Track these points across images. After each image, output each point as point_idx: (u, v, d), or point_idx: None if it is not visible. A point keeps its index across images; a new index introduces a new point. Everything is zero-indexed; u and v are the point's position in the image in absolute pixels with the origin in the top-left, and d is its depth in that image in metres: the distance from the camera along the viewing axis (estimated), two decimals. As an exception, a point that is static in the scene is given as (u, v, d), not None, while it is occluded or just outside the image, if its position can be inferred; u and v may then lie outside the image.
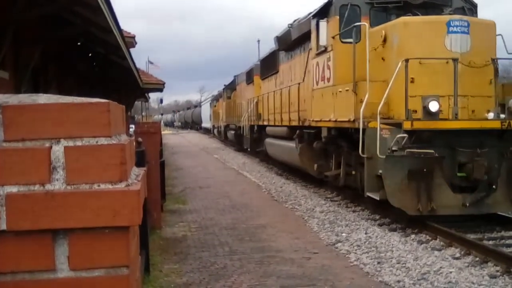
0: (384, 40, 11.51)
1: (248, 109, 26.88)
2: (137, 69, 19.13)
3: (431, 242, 9.26)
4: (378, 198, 10.32)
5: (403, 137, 10.01)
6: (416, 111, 10.27)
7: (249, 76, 29.13)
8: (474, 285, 6.90)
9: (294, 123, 16.82)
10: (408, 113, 10.08)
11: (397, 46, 11.20)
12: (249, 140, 27.17)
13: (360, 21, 12.24)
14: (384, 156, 9.99)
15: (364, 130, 10.78)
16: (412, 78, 10.45)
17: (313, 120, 14.45)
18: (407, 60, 10.22)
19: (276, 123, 19.86)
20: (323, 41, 13.22)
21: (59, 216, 1.24)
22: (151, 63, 51.41)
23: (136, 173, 1.50)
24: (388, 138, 10.36)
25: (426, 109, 10.16)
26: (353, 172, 12.26)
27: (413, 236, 9.71)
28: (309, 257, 8.11)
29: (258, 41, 62.60)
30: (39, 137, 1.26)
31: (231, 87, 38.99)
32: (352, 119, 11.44)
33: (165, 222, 10.78)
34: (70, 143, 1.26)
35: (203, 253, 8.48)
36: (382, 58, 11.58)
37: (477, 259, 8.11)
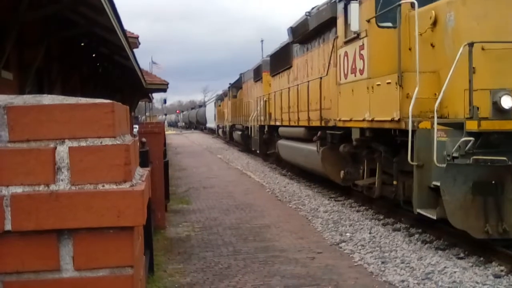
0: (434, 23, 9.60)
1: (257, 108, 25.21)
2: (140, 70, 19.15)
3: (435, 241, 9.24)
4: (434, 217, 8.50)
5: (468, 141, 8.26)
6: (478, 108, 8.47)
7: (257, 73, 27.41)
8: (479, 284, 6.89)
9: (315, 123, 14.97)
10: (473, 111, 8.32)
11: (452, 29, 9.27)
12: (258, 141, 25.37)
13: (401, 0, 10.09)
14: (444, 165, 8.22)
15: (413, 131, 9.05)
16: (473, 67, 8.53)
17: (339, 120, 12.62)
18: (471, 45, 8.39)
19: (292, 123, 17.92)
20: (354, 26, 11.27)
21: (64, 216, 1.24)
22: (155, 63, 51.50)
23: (141, 173, 1.50)
24: (447, 142, 8.60)
25: (496, 106, 8.39)
26: (394, 182, 10.30)
27: (417, 235, 9.70)
28: (313, 257, 8.11)
29: (262, 41, 62.53)
30: (43, 137, 1.26)
31: (237, 85, 37.41)
32: (396, 118, 9.63)
33: (169, 222, 10.80)
34: (75, 144, 1.27)
35: (207, 253, 8.49)
36: (431, 45, 9.71)
37: (482, 258, 8.09)
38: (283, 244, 8.92)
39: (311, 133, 15.39)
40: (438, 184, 8.28)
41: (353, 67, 11.81)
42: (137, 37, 21.76)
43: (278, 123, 20.47)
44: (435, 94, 9.20)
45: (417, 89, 9.14)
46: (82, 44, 12.96)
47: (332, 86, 13.46)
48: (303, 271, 7.41)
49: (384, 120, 10.17)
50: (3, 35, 8.67)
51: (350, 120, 11.93)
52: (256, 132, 25.73)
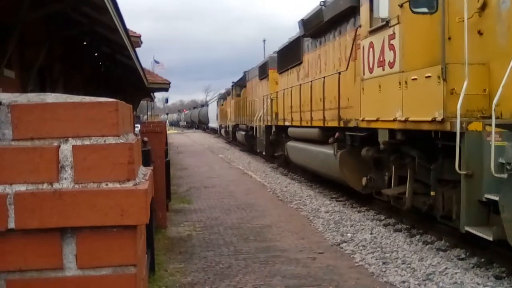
0: (483, 6, 8.38)
1: (264, 108, 23.71)
2: (142, 69, 19.17)
3: (436, 242, 9.24)
4: (490, 238, 7.20)
5: None
6: None
7: (262, 71, 25.87)
8: (480, 286, 6.88)
9: (331, 124, 13.60)
10: None
11: (508, 12, 7.96)
12: (264, 143, 23.93)
13: None
14: (503, 175, 7.02)
15: (461, 134, 7.75)
16: None
17: (362, 120, 11.11)
18: None
19: (303, 124, 16.48)
20: (383, 12, 9.87)
21: (67, 215, 1.24)
22: (157, 62, 51.52)
23: (144, 172, 1.50)
24: (507, 147, 7.31)
25: None
26: (432, 193, 9.06)
27: (418, 236, 9.69)
28: (314, 257, 8.11)
29: (264, 40, 62.74)
30: (47, 136, 1.26)
31: (240, 83, 35.88)
32: (439, 118, 8.29)
33: (170, 221, 10.80)
34: (79, 142, 1.27)
35: (208, 252, 8.49)
36: (479, 32, 8.50)
37: (483, 260, 8.08)
38: (284, 244, 8.92)
39: (326, 135, 14.05)
40: (493, 197, 7.17)
41: (381, 59, 10.28)
42: (139, 36, 21.80)
43: (287, 123, 19.03)
44: (484, 90, 8.22)
45: (466, 83, 7.87)
46: (85, 43, 12.96)
47: (353, 82, 12.08)
48: (304, 271, 7.41)
49: (422, 121, 8.82)
50: (5, 34, 8.68)
51: (377, 120, 10.41)
52: (262, 132, 24.38)
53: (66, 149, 1.26)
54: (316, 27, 15.22)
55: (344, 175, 12.68)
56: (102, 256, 1.26)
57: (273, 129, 22.10)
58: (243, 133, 32.01)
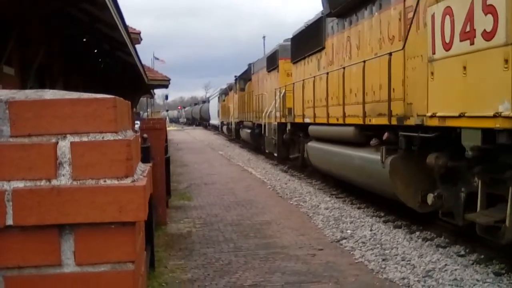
0: None
1: (276, 103, 20.97)
2: (142, 66, 19.17)
3: (436, 239, 9.24)
4: None
5: None
6: None
7: (271, 61, 23.39)
8: (479, 282, 6.89)
9: (377, 121, 10.75)
10: None
11: None
12: (275, 142, 21.17)
13: None
14: None
15: None
16: None
17: (432, 116, 8.26)
18: None
19: (331, 121, 13.77)
20: None
21: (65, 211, 1.24)
22: (157, 58, 51.57)
23: (142, 169, 1.50)
24: None
25: None
26: None
27: (418, 233, 9.70)
28: (314, 254, 8.12)
29: (264, 37, 62.43)
30: (45, 132, 1.26)
31: (244, 77, 33.12)
32: None
33: (170, 218, 10.81)
34: (76, 139, 1.27)
35: (208, 249, 8.50)
36: None
37: (482, 256, 8.09)
38: (284, 241, 8.93)
39: (365, 135, 11.63)
40: None
41: (467, 29, 7.43)
42: (139, 33, 21.80)
43: (307, 121, 16.24)
44: None
45: None
46: (84, 40, 12.95)
47: (414, 65, 9.19)
48: (303, 267, 7.41)
49: None
50: (5, 31, 8.67)
51: (460, 117, 7.52)
52: (272, 131, 21.65)
53: (64, 145, 1.26)
54: (345, 3, 12.76)
55: (396, 188, 9.79)
56: (100, 252, 1.27)
57: (288, 127, 19.51)
58: (249, 131, 29.45)
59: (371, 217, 11.16)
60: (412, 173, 9.67)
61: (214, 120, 57.89)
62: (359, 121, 11.74)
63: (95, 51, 15.16)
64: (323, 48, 15.19)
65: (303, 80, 16.79)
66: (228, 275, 7.11)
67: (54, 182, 1.26)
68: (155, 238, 8.05)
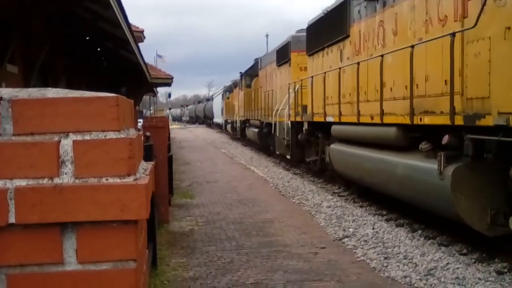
0: None
1: (289, 99, 18.97)
2: (145, 64, 19.18)
3: (438, 237, 9.24)
4: None
5: None
6: None
7: (282, 55, 21.66)
8: (481, 281, 6.89)
9: (433, 120, 8.81)
10: None
11: None
12: (288, 144, 19.32)
13: None
14: None
15: None
16: None
17: None
18: None
19: (363, 120, 11.78)
20: None
21: (68, 209, 1.25)
22: (160, 56, 51.56)
23: (144, 167, 1.50)
24: None
25: None
26: None
27: (420, 231, 9.69)
28: (316, 252, 8.12)
29: (267, 35, 62.06)
30: (48, 131, 1.27)
31: (251, 73, 31.39)
32: None
33: (172, 216, 10.82)
34: (79, 137, 1.27)
35: (210, 247, 8.50)
36: None
37: (484, 255, 8.08)
38: (286, 239, 8.93)
39: (410, 137, 9.71)
40: None
41: None
42: (142, 31, 21.81)
43: (330, 119, 14.18)
44: None
45: None
46: (87, 38, 12.97)
47: (486, 49, 7.38)
48: (306, 266, 7.42)
49: None
50: (9, 29, 8.68)
51: None
52: (284, 130, 19.69)
53: (66, 144, 1.27)
54: None
55: (459, 206, 7.86)
56: (102, 250, 1.27)
57: (305, 126, 17.30)
58: (256, 130, 27.26)
59: (373, 215, 11.16)
60: (482, 187, 7.75)
61: (218, 119, 56.01)
62: (404, 120, 9.60)
63: (98, 49, 15.18)
64: (347, 36, 13.38)
65: (325, 73, 14.72)
66: (230, 273, 7.12)
67: (57, 180, 1.26)
68: (157, 236, 8.06)
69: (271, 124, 22.48)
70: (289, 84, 19.21)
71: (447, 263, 7.50)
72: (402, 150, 9.94)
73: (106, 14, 9.70)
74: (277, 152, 21.40)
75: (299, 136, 17.98)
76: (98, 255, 1.27)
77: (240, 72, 35.00)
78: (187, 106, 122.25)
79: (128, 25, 10.93)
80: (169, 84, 30.22)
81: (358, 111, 12.05)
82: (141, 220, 1.33)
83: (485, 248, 8.25)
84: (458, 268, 7.31)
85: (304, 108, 17.36)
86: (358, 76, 12.13)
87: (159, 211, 9.26)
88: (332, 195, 13.88)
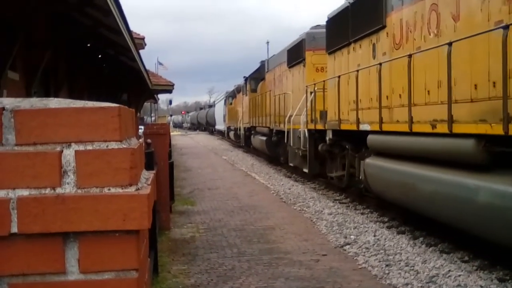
0: None
1: (307, 104, 16.64)
2: (146, 71, 19.20)
3: (439, 245, 9.23)
4: None
5: None
6: None
7: (294, 54, 19.62)
8: (483, 288, 6.88)
9: None
10: None
11: None
12: (302, 154, 17.27)
13: None
14: None
15: None
16: None
17: None
18: None
19: (418, 129, 9.28)
20: None
21: (70, 219, 1.25)
22: (161, 64, 51.67)
23: (146, 177, 1.51)
24: None
25: None
26: None
27: (421, 238, 9.68)
28: (317, 259, 8.11)
29: (267, 42, 62.04)
30: (50, 141, 1.27)
31: (256, 76, 29.72)
32: None
33: (173, 223, 10.81)
34: (81, 147, 1.28)
35: (211, 254, 8.50)
36: None
37: (486, 262, 8.07)
38: (287, 246, 8.92)
39: (496, 152, 7.38)
40: None
41: None
42: (143, 38, 21.85)
43: (365, 127, 11.73)
44: None
45: None
46: (88, 45, 13.00)
47: None
48: (307, 273, 7.41)
49: None
50: (11, 36, 8.71)
51: None
52: (301, 139, 17.40)
53: (68, 154, 1.27)
54: None
55: None
56: (104, 260, 1.27)
57: (328, 135, 14.61)
58: (263, 138, 24.87)
59: (374, 222, 11.15)
60: None
61: (220, 125, 53.74)
62: (491, 130, 7.17)
63: (100, 56, 15.21)
64: (383, 27, 11.30)
65: (357, 71, 12.33)
66: (231, 281, 7.11)
67: (59, 190, 1.27)
68: (159, 243, 8.06)
69: (282, 132, 20.40)
70: (306, 86, 17.02)
71: (449, 271, 7.49)
72: (479, 169, 7.63)
73: (107, 21, 9.73)
74: (291, 164, 19.20)
75: (319, 147, 15.52)
76: (100, 264, 1.27)
77: (244, 76, 33.21)
78: (188, 113, 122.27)
79: (129, 32, 10.96)
80: (170, 91, 30.25)
81: (411, 118, 9.52)
82: (143, 230, 1.33)
83: (487, 256, 8.23)
84: (459, 275, 7.30)
85: (323, 114, 15.40)
86: (411, 72, 9.53)
87: (160, 218, 9.26)
88: (333, 202, 13.87)
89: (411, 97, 9.65)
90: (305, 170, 17.21)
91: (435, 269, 7.58)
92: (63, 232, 1.26)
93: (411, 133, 9.62)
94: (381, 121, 10.89)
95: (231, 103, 43.21)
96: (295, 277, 7.24)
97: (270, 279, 7.15)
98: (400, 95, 10.41)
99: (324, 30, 16.06)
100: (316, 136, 16.10)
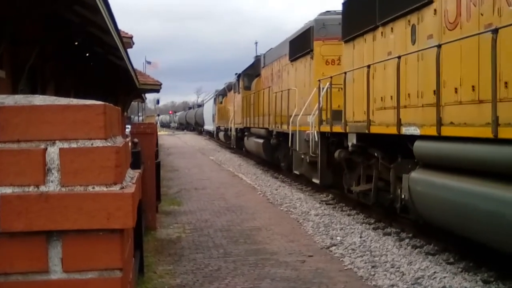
0: None
1: (320, 102, 14.14)
2: (134, 70, 19.14)
3: (425, 246, 9.27)
4: None
5: None
6: None
7: (298, 46, 17.18)
8: (468, 290, 6.91)
9: None
10: None
11: None
12: (310, 161, 14.91)
13: None
14: None
15: None
16: None
17: None
18: None
19: (505, 134, 6.53)
20: None
21: (53, 217, 1.24)
22: (149, 63, 51.46)
23: (131, 176, 1.50)
24: None
25: None
26: None
27: (407, 240, 9.72)
28: (303, 260, 8.11)
29: (256, 43, 61.32)
30: (34, 138, 1.26)
31: (250, 72, 27.13)
32: None
33: (160, 223, 10.78)
34: (66, 145, 1.26)
35: (197, 254, 8.48)
36: None
37: (471, 264, 8.12)
38: (273, 247, 8.92)
39: None
40: None
41: None
42: (131, 37, 21.76)
43: (410, 131, 9.07)
44: None
45: None
46: (76, 43, 12.92)
47: None
48: (293, 274, 7.41)
49: None
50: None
51: None
52: (310, 144, 14.79)
53: (53, 152, 1.26)
54: None
55: None
56: (88, 259, 1.26)
57: (352, 140, 11.92)
58: (260, 141, 22.28)
59: (361, 224, 11.18)
60: None
61: (209, 126, 50.32)
62: None
63: (87, 54, 15.13)
64: (430, 1, 8.90)
65: (399, 57, 9.52)
66: (217, 281, 7.10)
67: (43, 188, 1.25)
68: (145, 243, 8.02)
69: (283, 134, 18.34)
70: (319, 81, 14.30)
71: (434, 272, 7.52)
72: None
73: (95, 19, 9.67)
74: (296, 172, 16.64)
75: (336, 154, 13.01)
76: (83, 264, 1.26)
77: (237, 73, 30.72)
78: (175, 112, 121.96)
79: (117, 31, 10.91)
80: (157, 91, 30.15)
81: (496, 119, 6.67)
82: (127, 229, 1.32)
83: (472, 257, 8.29)
84: (445, 277, 7.33)
85: (336, 113, 13.15)
86: (499, 52, 6.70)
87: (146, 218, 9.23)
88: (320, 203, 13.89)
89: (498, 89, 6.72)
90: (315, 181, 14.69)
91: (421, 271, 7.61)
92: (47, 230, 1.25)
93: (494, 140, 6.80)
94: (439, 123, 8.16)
95: (221, 102, 40.33)
96: (281, 278, 7.23)
97: (256, 280, 7.14)
98: (473, 87, 7.58)
99: (336, 16, 14.28)
100: (331, 140, 13.76)
